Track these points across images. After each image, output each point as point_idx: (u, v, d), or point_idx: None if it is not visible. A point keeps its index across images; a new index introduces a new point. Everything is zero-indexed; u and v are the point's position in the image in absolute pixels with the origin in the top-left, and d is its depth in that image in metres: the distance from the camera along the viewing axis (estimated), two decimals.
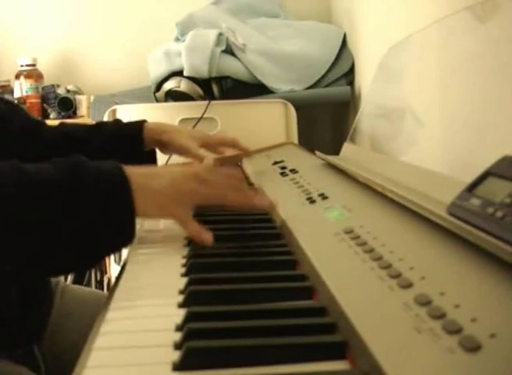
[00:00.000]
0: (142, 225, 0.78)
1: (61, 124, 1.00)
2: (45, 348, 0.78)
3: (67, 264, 0.59)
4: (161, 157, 1.06)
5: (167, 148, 0.98)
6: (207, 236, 0.64)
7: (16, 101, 1.89)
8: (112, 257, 1.59)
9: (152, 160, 1.00)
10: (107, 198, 0.59)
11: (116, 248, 0.63)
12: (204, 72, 1.45)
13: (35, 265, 0.57)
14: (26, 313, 0.74)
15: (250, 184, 0.99)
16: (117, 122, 1.03)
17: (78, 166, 0.60)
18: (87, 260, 0.60)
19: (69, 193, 0.57)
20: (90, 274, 1.82)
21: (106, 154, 0.69)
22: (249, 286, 0.53)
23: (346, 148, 1.01)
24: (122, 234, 0.61)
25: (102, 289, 1.79)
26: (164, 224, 0.82)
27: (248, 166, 1.16)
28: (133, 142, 0.96)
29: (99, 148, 0.92)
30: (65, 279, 1.76)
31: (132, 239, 0.61)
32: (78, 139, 0.94)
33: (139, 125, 0.97)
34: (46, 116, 1.93)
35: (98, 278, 1.82)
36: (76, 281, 1.77)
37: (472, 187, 0.48)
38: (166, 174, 0.66)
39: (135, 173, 0.63)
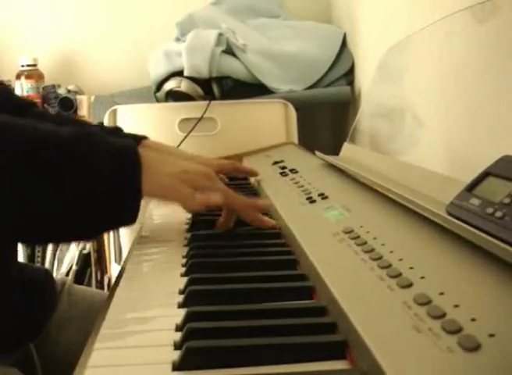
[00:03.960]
0: (142, 225, 0.78)
1: (57, 114, 0.97)
2: (44, 350, 0.78)
3: (66, 228, 0.59)
4: None
5: None
6: (216, 197, 0.65)
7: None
8: (113, 257, 1.59)
9: None
10: (117, 173, 0.59)
11: (117, 225, 0.63)
12: (204, 72, 1.45)
13: (37, 222, 0.57)
14: (27, 312, 0.73)
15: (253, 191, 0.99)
16: (116, 130, 0.99)
17: (93, 138, 0.60)
18: (86, 229, 0.60)
19: (80, 157, 0.57)
20: (91, 274, 1.82)
21: None
22: (249, 286, 0.53)
23: (346, 148, 1.01)
24: (125, 214, 0.61)
25: (103, 289, 1.79)
26: (164, 224, 0.82)
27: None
28: None
29: None
30: (66, 277, 1.76)
31: (134, 220, 0.62)
32: None
33: (136, 140, 0.94)
34: None
35: (99, 278, 1.82)
36: (76, 280, 1.78)
37: (471, 187, 0.48)
38: (179, 164, 0.67)
39: (148, 155, 0.63)
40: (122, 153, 0.61)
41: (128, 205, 0.61)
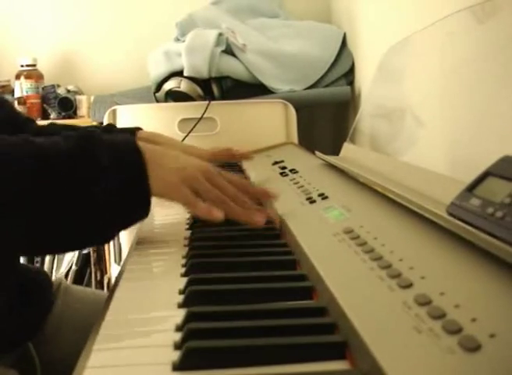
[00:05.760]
0: (142, 225, 0.78)
1: (51, 124, 0.98)
2: (43, 351, 0.77)
3: (81, 237, 0.60)
4: None
5: None
6: (218, 213, 0.64)
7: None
8: (112, 257, 1.59)
9: None
10: (121, 172, 0.59)
11: (131, 222, 0.63)
12: (204, 72, 1.45)
13: (50, 235, 0.58)
14: (24, 312, 0.73)
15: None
16: (108, 127, 0.99)
17: (91, 141, 0.60)
18: (101, 233, 0.61)
19: (82, 165, 0.58)
20: (91, 274, 1.82)
21: None
22: (249, 286, 0.53)
23: (346, 148, 1.01)
24: (137, 208, 0.62)
25: (102, 289, 1.79)
26: (164, 225, 0.82)
27: (248, 166, 1.16)
28: None
29: None
30: (66, 277, 1.76)
31: (147, 213, 0.62)
32: None
33: (131, 133, 0.95)
34: (46, 116, 1.93)
35: (98, 278, 1.82)
36: (76, 280, 1.78)
37: (472, 187, 0.48)
38: (179, 158, 0.67)
39: (149, 149, 0.63)
40: (124, 150, 0.61)
41: (139, 202, 0.61)
